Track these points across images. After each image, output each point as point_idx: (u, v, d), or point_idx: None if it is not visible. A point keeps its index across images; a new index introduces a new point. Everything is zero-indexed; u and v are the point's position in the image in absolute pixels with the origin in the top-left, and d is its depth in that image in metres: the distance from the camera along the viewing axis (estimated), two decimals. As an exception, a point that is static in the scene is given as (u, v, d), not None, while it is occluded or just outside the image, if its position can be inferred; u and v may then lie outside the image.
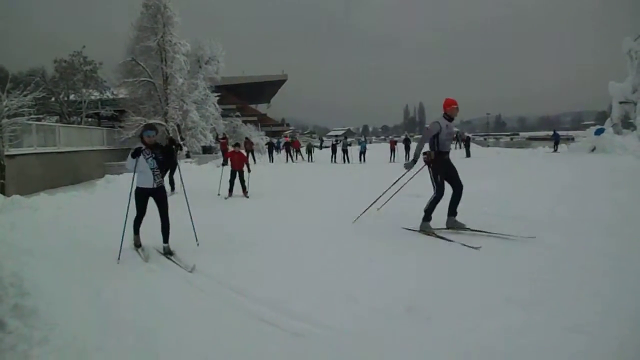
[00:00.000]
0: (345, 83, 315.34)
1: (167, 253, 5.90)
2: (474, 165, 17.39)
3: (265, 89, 50.11)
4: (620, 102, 22.91)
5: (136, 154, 5.73)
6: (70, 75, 27.21)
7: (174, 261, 5.64)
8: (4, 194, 11.06)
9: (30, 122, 15.34)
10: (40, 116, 21.10)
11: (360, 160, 26.83)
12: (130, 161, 5.76)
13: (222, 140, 26.25)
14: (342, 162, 26.65)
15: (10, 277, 3.95)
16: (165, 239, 5.99)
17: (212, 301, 4.27)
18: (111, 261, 5.54)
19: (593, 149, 20.63)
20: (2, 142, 13.18)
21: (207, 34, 28.89)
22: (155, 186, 5.86)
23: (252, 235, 6.98)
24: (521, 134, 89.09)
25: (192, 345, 3.40)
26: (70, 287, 4.46)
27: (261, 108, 54.68)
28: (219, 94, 29.09)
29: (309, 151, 30.71)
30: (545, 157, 21.49)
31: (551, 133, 31.46)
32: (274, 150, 30.63)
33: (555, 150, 27.24)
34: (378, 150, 32.77)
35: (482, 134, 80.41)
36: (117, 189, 10.22)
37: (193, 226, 6.27)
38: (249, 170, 11.77)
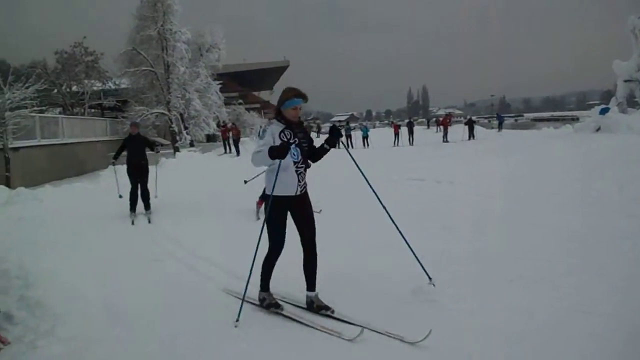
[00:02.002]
0: (348, 68, 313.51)
1: (322, 309, 3.58)
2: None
3: (268, 75, 49.73)
4: (625, 81, 22.59)
5: (285, 150, 3.31)
6: (72, 66, 27.05)
7: (341, 320, 3.45)
8: (9, 186, 11.14)
9: (33, 114, 15.34)
10: (43, 108, 21.06)
11: (364, 145, 26.74)
12: (264, 159, 3.35)
13: (222, 129, 26.26)
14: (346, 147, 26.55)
15: (16, 269, 4.00)
16: (311, 284, 3.68)
17: (216, 292, 4.30)
18: (116, 252, 5.60)
19: (598, 129, 20.45)
20: (5, 135, 13.20)
21: (207, 22, 28.40)
22: (299, 192, 3.60)
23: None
24: (525, 115, 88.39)
25: (197, 335, 3.42)
26: (75, 278, 4.52)
27: (264, 95, 54.44)
28: (221, 81, 28.85)
29: None
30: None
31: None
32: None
33: (499, 130, 31.44)
34: (381, 135, 32.47)
35: (487, 115, 79.82)
36: (121, 180, 10.21)
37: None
38: None
